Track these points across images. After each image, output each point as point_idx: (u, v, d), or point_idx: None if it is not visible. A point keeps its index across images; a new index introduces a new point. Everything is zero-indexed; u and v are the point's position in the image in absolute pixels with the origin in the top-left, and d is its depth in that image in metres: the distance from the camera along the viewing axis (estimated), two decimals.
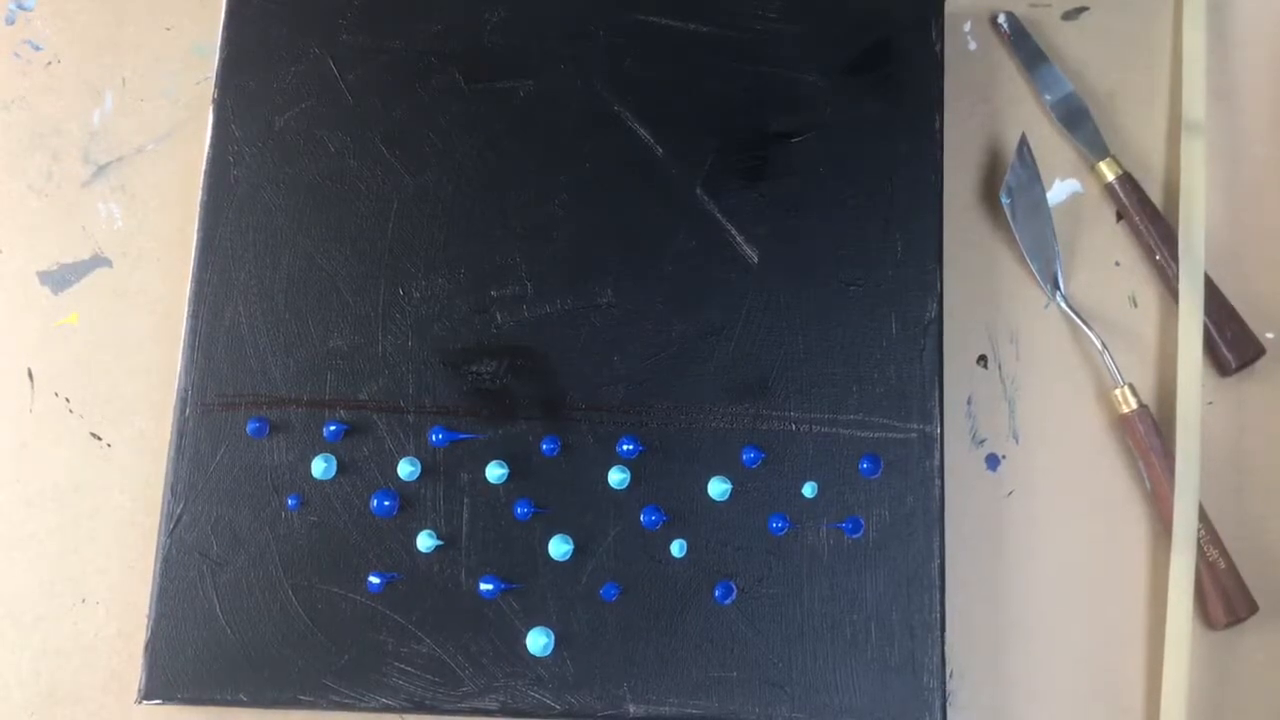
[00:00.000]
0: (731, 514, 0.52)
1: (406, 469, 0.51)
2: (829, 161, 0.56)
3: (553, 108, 0.56)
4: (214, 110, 0.55)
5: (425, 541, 0.51)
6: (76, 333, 0.55)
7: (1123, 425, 0.55)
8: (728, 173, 0.55)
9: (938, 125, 0.56)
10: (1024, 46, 0.59)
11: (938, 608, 0.51)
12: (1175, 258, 0.56)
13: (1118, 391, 0.55)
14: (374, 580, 0.50)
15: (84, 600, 0.52)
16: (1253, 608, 0.53)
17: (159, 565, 0.51)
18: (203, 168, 0.55)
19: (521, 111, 0.56)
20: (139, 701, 0.49)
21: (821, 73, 0.56)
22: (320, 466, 0.51)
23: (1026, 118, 0.59)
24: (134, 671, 0.50)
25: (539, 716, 0.50)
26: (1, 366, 0.55)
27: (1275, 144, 0.59)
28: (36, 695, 0.51)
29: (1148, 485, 0.55)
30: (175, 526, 0.51)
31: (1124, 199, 0.57)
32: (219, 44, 0.56)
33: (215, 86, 0.55)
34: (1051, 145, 0.59)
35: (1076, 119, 0.59)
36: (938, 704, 0.50)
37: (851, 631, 0.51)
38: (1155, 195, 0.58)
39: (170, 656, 0.50)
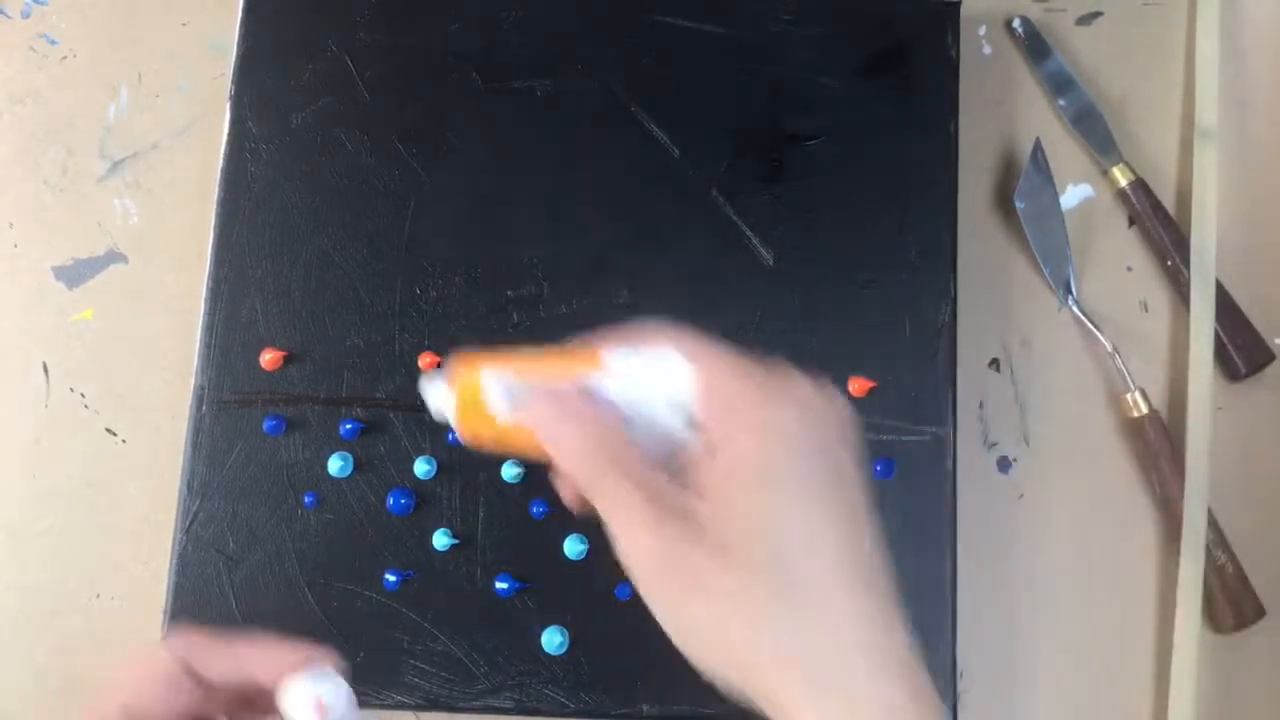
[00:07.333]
0: None
1: (423, 467, 0.51)
2: (844, 164, 0.56)
3: (569, 108, 0.56)
4: (230, 107, 0.55)
5: (441, 540, 0.51)
6: (92, 328, 0.55)
7: (1133, 429, 0.56)
8: (743, 174, 0.56)
9: (952, 129, 0.56)
10: (1038, 51, 0.60)
11: (948, 609, 0.52)
12: (1187, 263, 0.57)
13: (1129, 396, 0.55)
14: (390, 578, 0.50)
15: (99, 596, 0.52)
16: (1260, 612, 0.54)
17: (175, 561, 0.51)
18: (219, 164, 0.55)
19: (538, 111, 0.56)
20: None
21: (837, 75, 0.57)
22: (337, 464, 0.51)
23: (1040, 122, 0.59)
24: None
25: (554, 715, 0.50)
26: (17, 362, 0.55)
27: None
28: (51, 691, 0.52)
29: (1157, 489, 0.55)
30: (191, 523, 0.51)
31: (1136, 204, 0.58)
32: (235, 40, 0.56)
33: (232, 83, 0.55)
34: (1064, 150, 0.59)
35: (1090, 124, 0.59)
36: (948, 704, 0.51)
37: None
38: (1168, 201, 0.58)
39: None
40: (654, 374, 0.33)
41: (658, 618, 0.33)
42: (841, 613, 0.32)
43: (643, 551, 0.33)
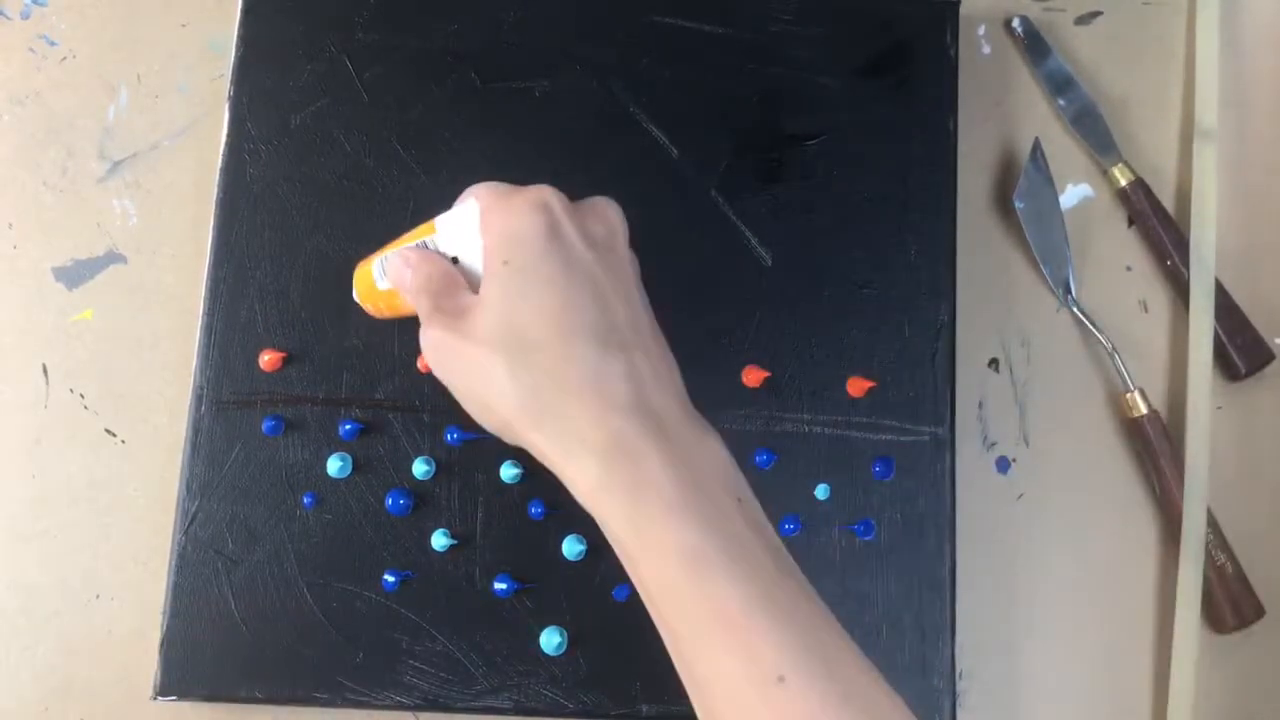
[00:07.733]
0: None
1: (421, 468, 0.51)
2: (843, 164, 0.56)
3: (568, 108, 0.56)
4: (229, 108, 0.55)
5: (440, 540, 0.51)
6: (91, 329, 0.55)
7: (1133, 429, 0.56)
8: (742, 174, 0.56)
9: (951, 128, 0.56)
10: (1037, 50, 0.60)
11: (948, 609, 0.52)
12: (1186, 263, 0.57)
13: (1128, 396, 0.55)
14: (389, 578, 0.50)
15: (98, 596, 0.53)
16: (1260, 612, 0.54)
17: (174, 562, 0.51)
18: (218, 165, 0.55)
19: (537, 112, 0.56)
20: (154, 698, 0.50)
21: (836, 75, 0.57)
22: (335, 465, 0.51)
23: (1039, 122, 0.59)
24: (149, 668, 0.50)
25: (552, 715, 0.50)
26: (16, 362, 0.55)
27: None
28: (51, 691, 0.52)
29: (1157, 489, 0.55)
30: (190, 524, 0.51)
31: (1136, 204, 0.58)
32: (234, 41, 0.56)
33: (231, 84, 0.55)
34: (1064, 149, 0.59)
35: (1089, 123, 0.59)
36: (947, 705, 0.51)
37: (862, 633, 0.51)
38: (1167, 201, 0.58)
39: (185, 653, 0.50)
40: (463, 222, 0.44)
41: (457, 399, 0.43)
42: (557, 356, 0.39)
43: (425, 345, 0.43)
